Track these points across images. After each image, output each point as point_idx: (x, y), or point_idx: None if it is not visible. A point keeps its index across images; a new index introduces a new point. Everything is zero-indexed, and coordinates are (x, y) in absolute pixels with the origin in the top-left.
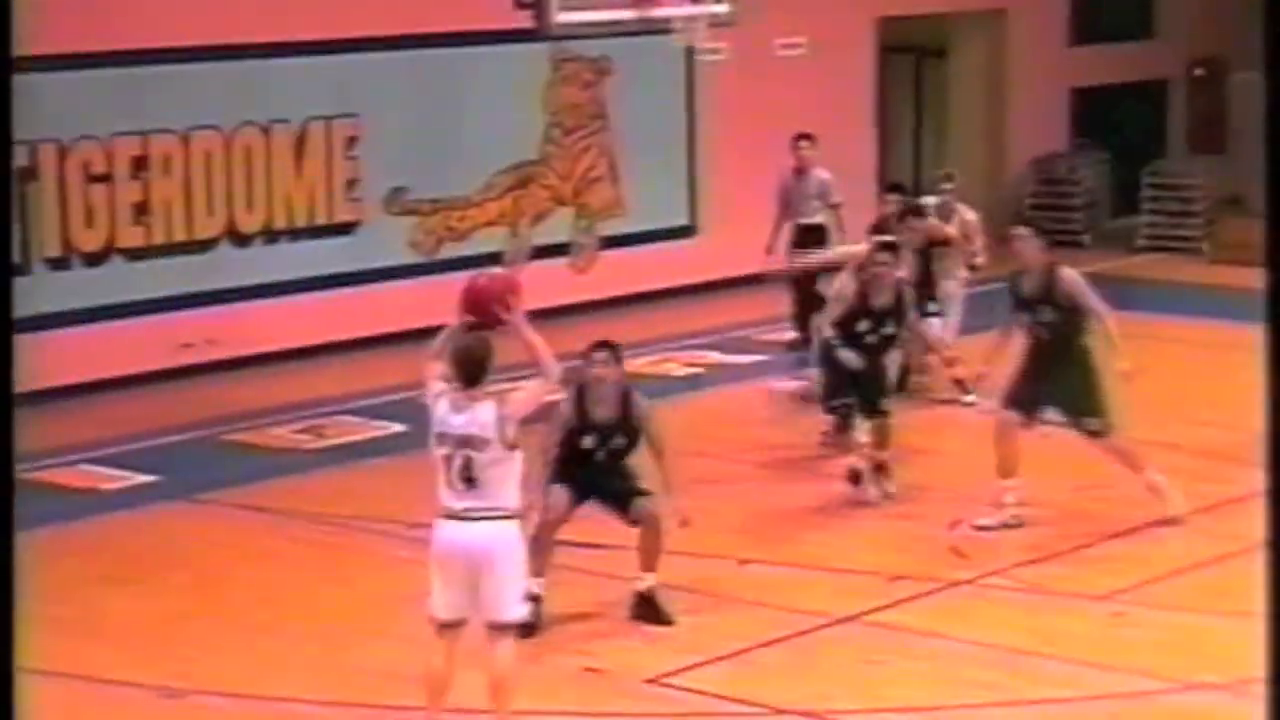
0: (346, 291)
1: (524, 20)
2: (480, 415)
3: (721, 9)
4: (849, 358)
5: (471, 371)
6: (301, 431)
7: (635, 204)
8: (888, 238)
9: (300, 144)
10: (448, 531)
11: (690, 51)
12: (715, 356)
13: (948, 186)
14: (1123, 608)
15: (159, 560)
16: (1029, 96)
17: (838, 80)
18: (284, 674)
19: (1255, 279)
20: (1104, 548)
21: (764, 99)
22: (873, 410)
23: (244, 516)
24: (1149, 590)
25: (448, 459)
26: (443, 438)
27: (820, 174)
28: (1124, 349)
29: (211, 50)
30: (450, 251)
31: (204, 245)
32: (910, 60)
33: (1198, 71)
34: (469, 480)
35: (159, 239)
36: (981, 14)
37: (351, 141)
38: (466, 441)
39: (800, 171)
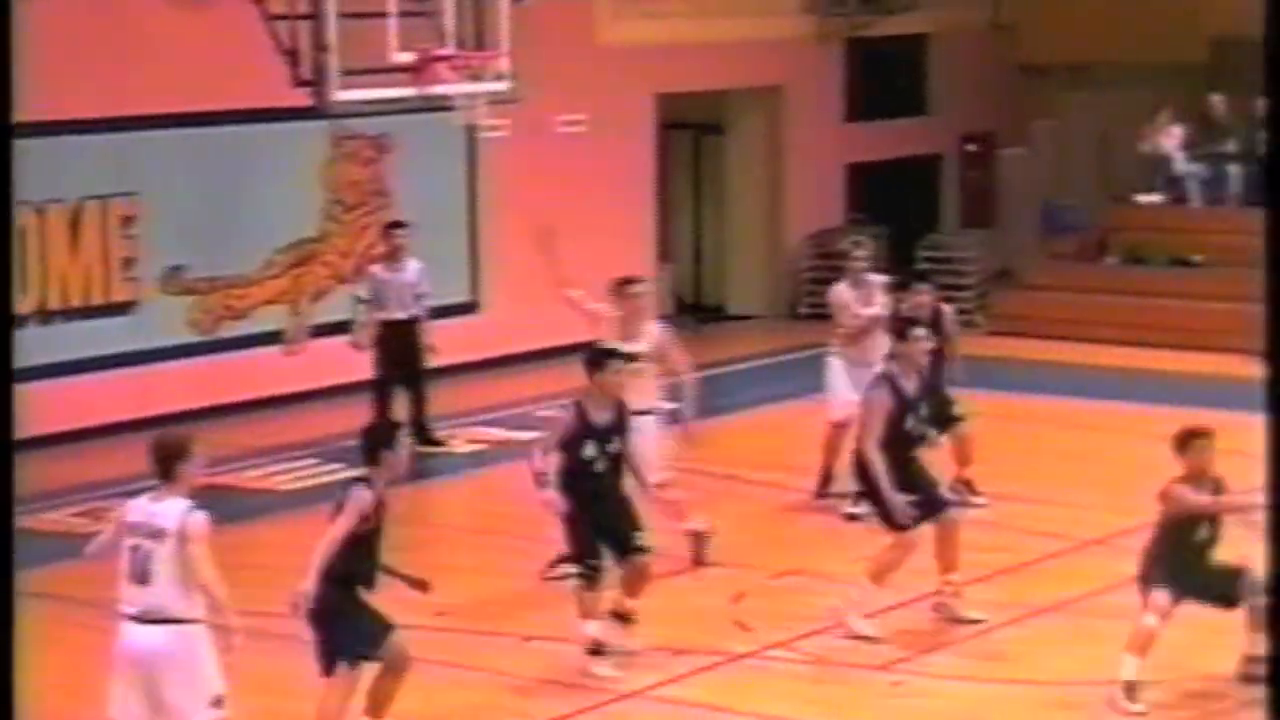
0: (124, 371)
1: (303, 98)
2: (169, 508)
3: (502, 86)
4: (553, 500)
5: (163, 465)
6: (80, 515)
7: (421, 283)
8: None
9: (75, 223)
10: (121, 633)
11: (471, 129)
12: (498, 433)
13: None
14: (902, 677)
15: None
16: (806, 172)
17: (618, 156)
18: None
19: (1028, 350)
20: (883, 618)
21: (545, 175)
22: (627, 550)
23: (22, 603)
24: (928, 659)
25: (131, 549)
26: (133, 527)
27: (415, 263)
28: None
29: None
30: (229, 330)
31: None
32: (689, 136)
33: (969, 147)
34: (145, 574)
35: None
36: (758, 91)
37: (128, 220)
38: (152, 533)
39: (395, 260)
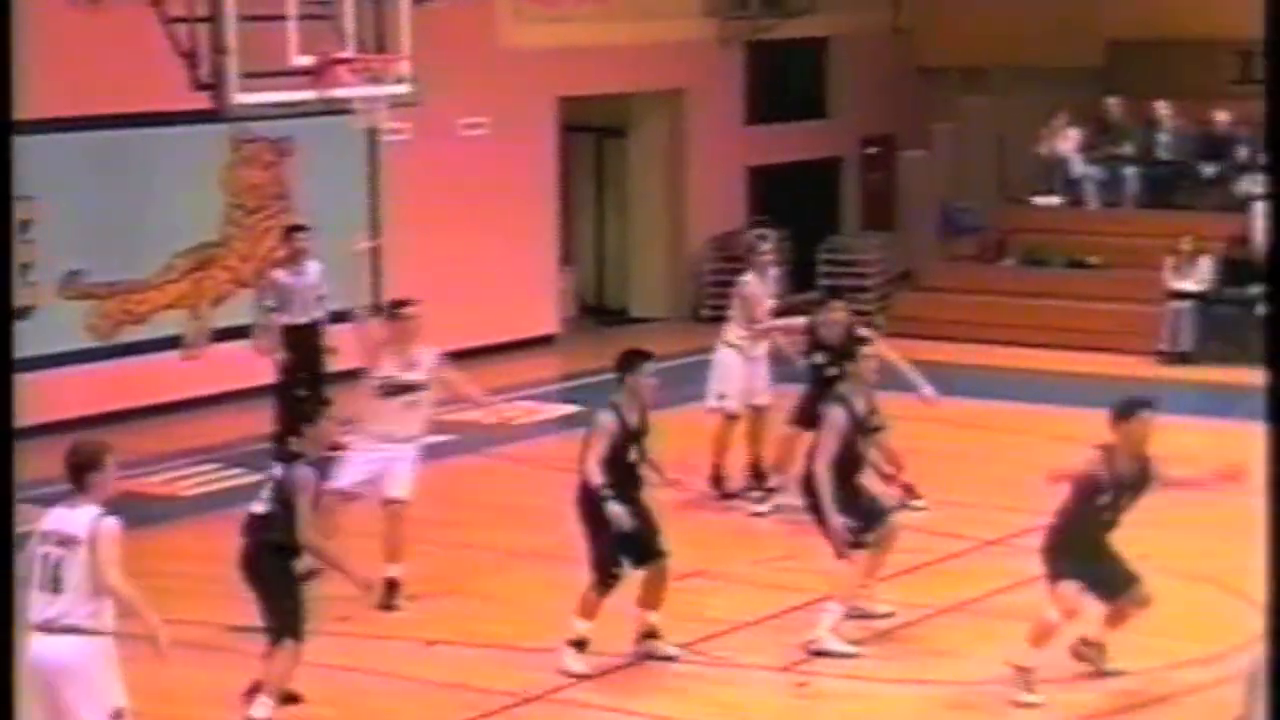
0: (22, 377)
1: (203, 101)
2: (80, 516)
3: (403, 89)
4: (619, 515)
5: (76, 474)
6: None
7: (322, 286)
8: None
9: None
10: (32, 644)
11: (372, 131)
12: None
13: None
14: (804, 677)
15: None
16: (707, 175)
17: (520, 159)
18: None
19: (928, 351)
20: (786, 619)
21: (447, 178)
22: (649, 554)
23: None
24: (830, 660)
25: (42, 557)
26: (45, 535)
27: (316, 266)
28: None
29: None
30: (129, 335)
31: None
32: (591, 139)
33: (869, 150)
34: (55, 583)
35: None
36: (660, 94)
37: (25, 225)
38: (62, 540)
39: (296, 263)
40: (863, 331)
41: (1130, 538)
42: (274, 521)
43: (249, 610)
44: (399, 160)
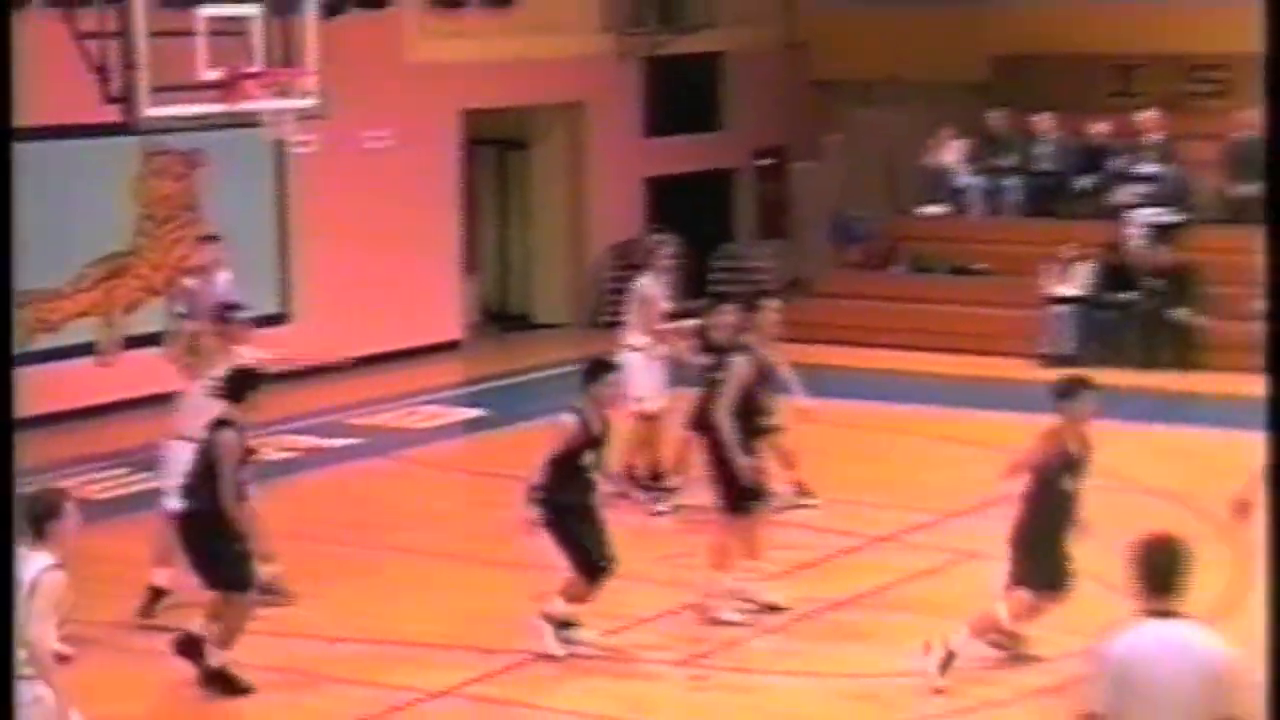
0: None
1: (115, 115)
2: (33, 563)
3: (310, 103)
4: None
5: (35, 524)
6: None
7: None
8: None
9: None
10: None
11: (280, 144)
12: (311, 440)
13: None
14: (702, 671)
15: None
16: (606, 186)
17: (424, 171)
18: None
19: (820, 355)
20: (685, 615)
21: (353, 190)
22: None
23: None
24: (727, 653)
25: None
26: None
27: (226, 275)
28: None
29: None
30: (43, 343)
31: None
32: (494, 151)
33: (762, 161)
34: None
35: None
36: (561, 107)
37: None
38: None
39: (207, 273)
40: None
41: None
42: (198, 487)
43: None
44: (306, 172)
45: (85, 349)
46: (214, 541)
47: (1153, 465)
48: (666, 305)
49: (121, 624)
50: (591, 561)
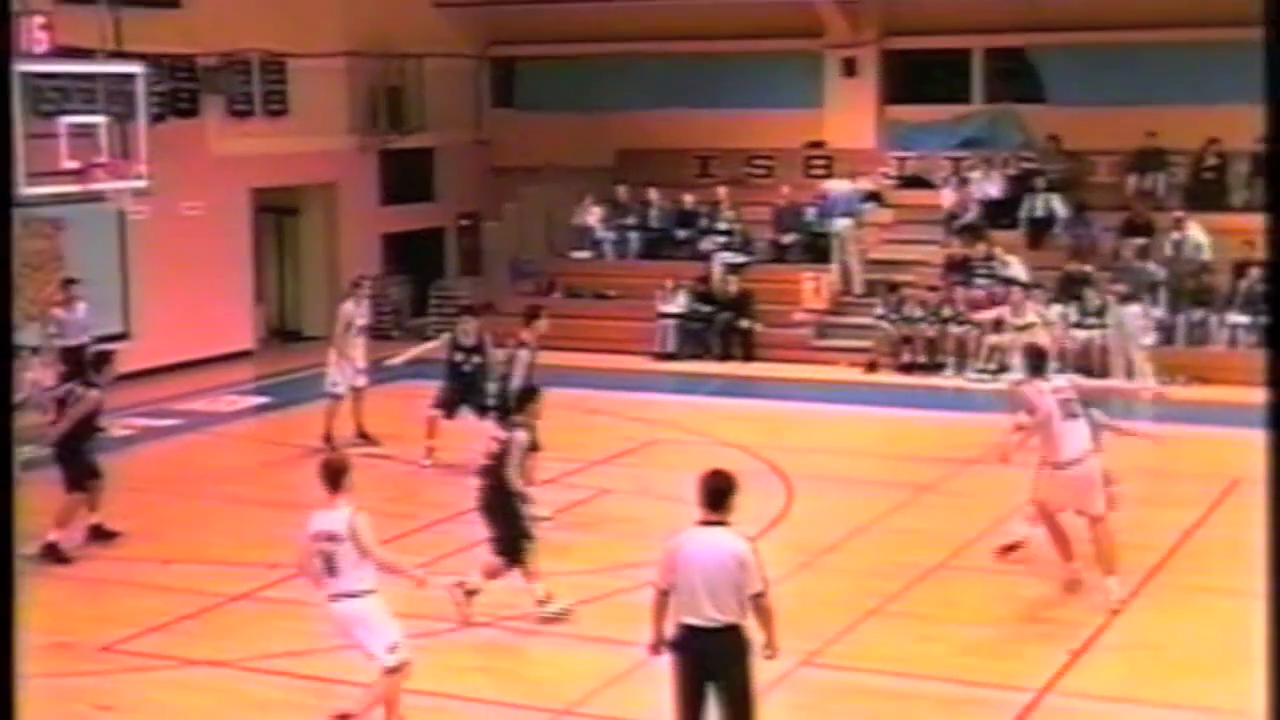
0: None
1: None
2: (337, 517)
3: (142, 184)
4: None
5: (331, 481)
6: None
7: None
8: None
9: None
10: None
11: (121, 213)
12: (145, 422)
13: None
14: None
15: None
16: (354, 239)
17: (225, 231)
18: None
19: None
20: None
21: (174, 245)
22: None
23: None
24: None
25: (319, 553)
26: (314, 535)
27: (84, 306)
28: None
29: None
30: None
31: None
32: (274, 217)
33: (462, 222)
34: (332, 569)
35: None
36: (320, 186)
37: None
38: (330, 537)
39: (70, 305)
40: (489, 338)
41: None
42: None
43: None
44: (140, 232)
45: None
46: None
47: (725, 426)
48: (360, 321)
49: None
50: (518, 550)
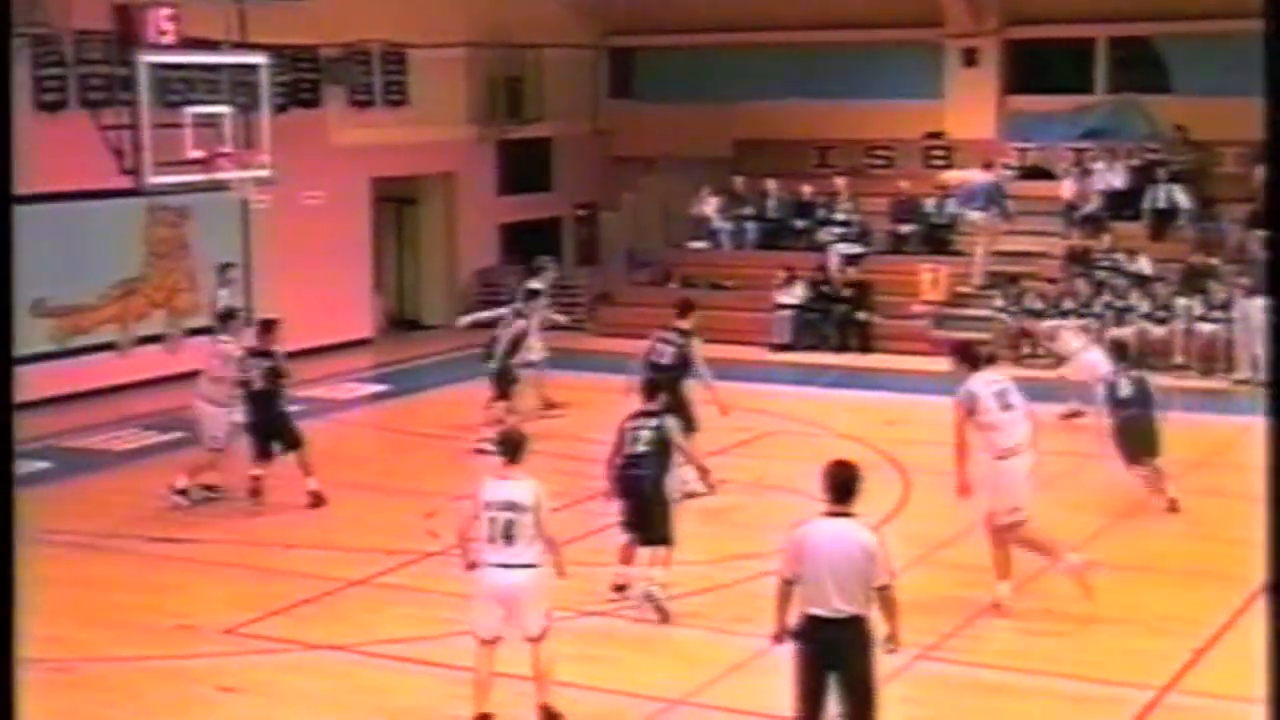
0: None
1: (128, 182)
2: (521, 488)
3: (265, 173)
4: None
5: (510, 451)
6: None
7: (208, 306)
8: None
9: None
10: (487, 577)
11: (244, 202)
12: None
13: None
14: None
15: None
16: (472, 229)
17: (345, 219)
18: None
19: (619, 345)
20: None
21: (296, 233)
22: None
23: None
24: None
25: (491, 520)
26: (488, 503)
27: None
28: None
29: None
30: (77, 341)
31: None
32: (393, 207)
33: (580, 212)
34: (508, 537)
35: None
36: (439, 176)
37: None
38: (509, 506)
39: (227, 285)
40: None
41: None
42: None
43: (163, 527)
44: (262, 221)
45: (108, 346)
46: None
47: (841, 417)
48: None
49: (133, 534)
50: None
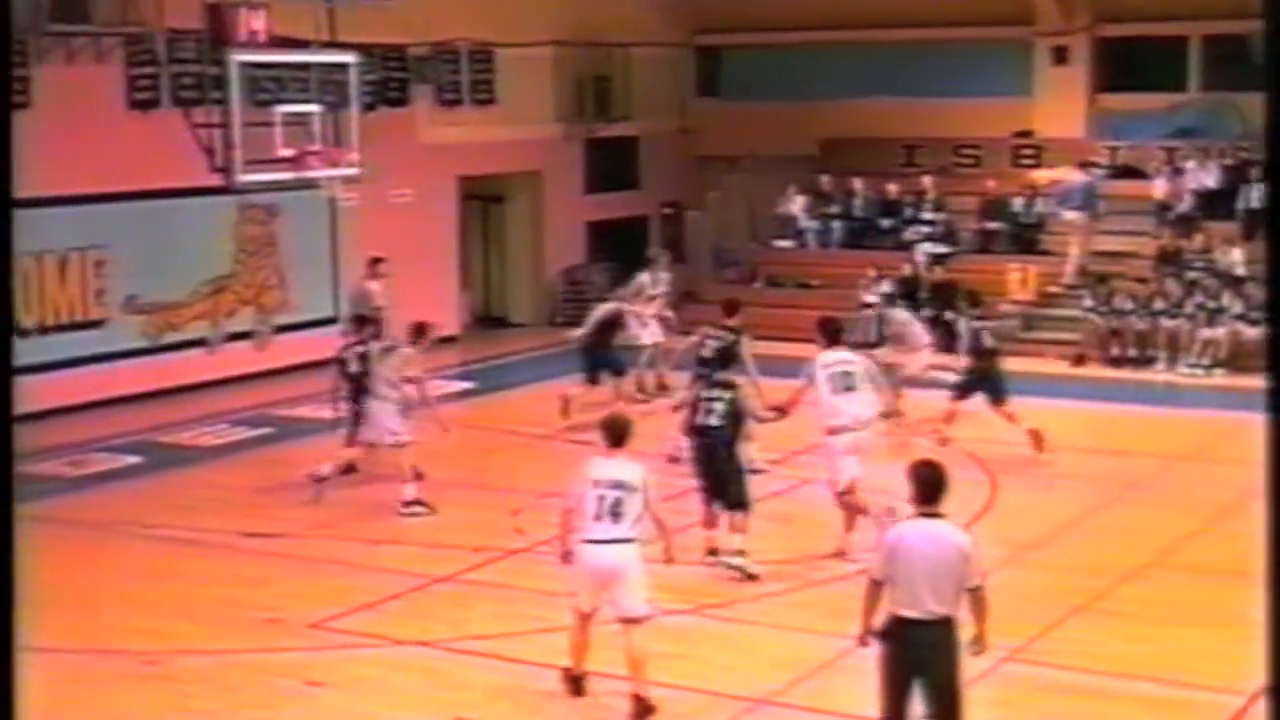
0: (97, 367)
1: (218, 180)
2: (630, 469)
3: (353, 172)
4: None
5: (615, 437)
6: (68, 465)
7: (297, 303)
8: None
9: (63, 266)
10: (590, 552)
11: (333, 200)
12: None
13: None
14: None
15: None
16: (558, 228)
17: (432, 217)
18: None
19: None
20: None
21: (383, 232)
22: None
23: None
24: None
25: (600, 498)
26: (596, 481)
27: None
28: None
29: None
30: (169, 338)
31: None
32: (480, 205)
33: (666, 210)
34: (615, 515)
35: None
36: (526, 174)
37: (100, 264)
38: (618, 484)
39: (376, 278)
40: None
41: None
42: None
43: (252, 522)
44: (350, 219)
45: (198, 342)
46: None
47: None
48: (653, 291)
49: (224, 530)
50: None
